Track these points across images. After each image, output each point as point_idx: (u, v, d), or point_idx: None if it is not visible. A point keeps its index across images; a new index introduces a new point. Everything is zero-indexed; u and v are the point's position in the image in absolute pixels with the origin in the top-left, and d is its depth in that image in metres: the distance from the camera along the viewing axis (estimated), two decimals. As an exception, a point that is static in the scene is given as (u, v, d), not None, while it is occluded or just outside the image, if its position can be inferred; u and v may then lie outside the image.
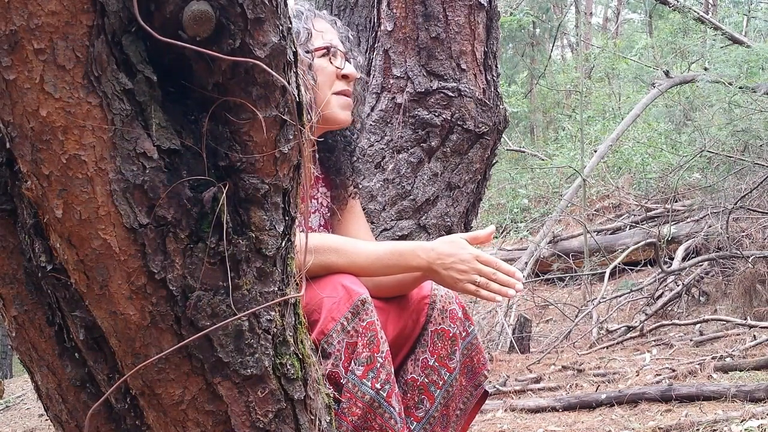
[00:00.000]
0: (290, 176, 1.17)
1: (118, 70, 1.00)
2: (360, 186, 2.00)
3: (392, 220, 2.19)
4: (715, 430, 3.67)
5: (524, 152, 12.62)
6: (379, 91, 2.23)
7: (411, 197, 2.20)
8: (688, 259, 7.66)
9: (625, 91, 13.95)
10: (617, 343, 6.65)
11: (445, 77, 2.19)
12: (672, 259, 7.85)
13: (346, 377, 1.57)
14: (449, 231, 2.22)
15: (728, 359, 5.10)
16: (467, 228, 2.32)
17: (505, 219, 11.20)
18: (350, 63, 1.83)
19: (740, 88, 8.35)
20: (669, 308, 7.48)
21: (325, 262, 1.66)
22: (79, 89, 0.98)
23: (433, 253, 1.68)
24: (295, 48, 1.12)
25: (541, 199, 11.69)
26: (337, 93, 1.80)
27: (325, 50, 1.79)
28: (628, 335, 6.79)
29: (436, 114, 2.18)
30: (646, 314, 7.23)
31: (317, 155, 1.89)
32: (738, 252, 7.01)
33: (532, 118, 16.39)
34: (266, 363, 1.20)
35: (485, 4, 2.22)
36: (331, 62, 1.80)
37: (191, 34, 1.01)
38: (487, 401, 2.12)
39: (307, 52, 1.76)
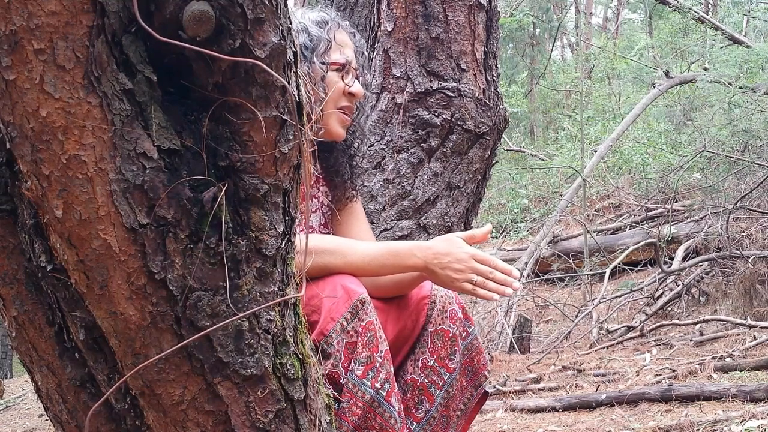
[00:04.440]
0: (290, 176, 1.17)
1: (118, 70, 1.00)
2: (358, 189, 2.00)
3: (392, 220, 2.19)
4: (715, 430, 3.67)
5: (524, 152, 12.62)
6: (379, 91, 2.23)
7: (411, 197, 2.20)
8: (688, 259, 7.67)
9: (625, 91, 13.97)
10: (617, 343, 6.65)
11: (445, 77, 2.19)
12: (672, 259, 7.85)
13: (346, 377, 1.57)
14: (449, 231, 2.21)
15: (728, 359, 5.10)
16: (467, 228, 2.31)
17: (505, 219, 11.21)
18: (359, 81, 1.85)
19: (740, 88, 8.36)
20: (669, 308, 7.48)
21: (321, 263, 1.66)
22: (79, 89, 0.98)
23: (430, 252, 1.68)
24: (296, 48, 1.12)
25: (541, 199, 11.70)
26: (340, 108, 1.81)
27: (340, 66, 1.80)
28: (628, 335, 6.80)
29: (436, 114, 2.18)
30: (646, 314, 7.23)
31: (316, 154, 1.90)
32: (738, 252, 7.02)
33: (532, 118, 16.40)
34: (266, 363, 1.20)
35: (485, 4, 2.22)
36: (342, 78, 1.81)
37: (191, 34, 1.01)
38: (487, 401, 2.12)
39: (323, 63, 1.77)
